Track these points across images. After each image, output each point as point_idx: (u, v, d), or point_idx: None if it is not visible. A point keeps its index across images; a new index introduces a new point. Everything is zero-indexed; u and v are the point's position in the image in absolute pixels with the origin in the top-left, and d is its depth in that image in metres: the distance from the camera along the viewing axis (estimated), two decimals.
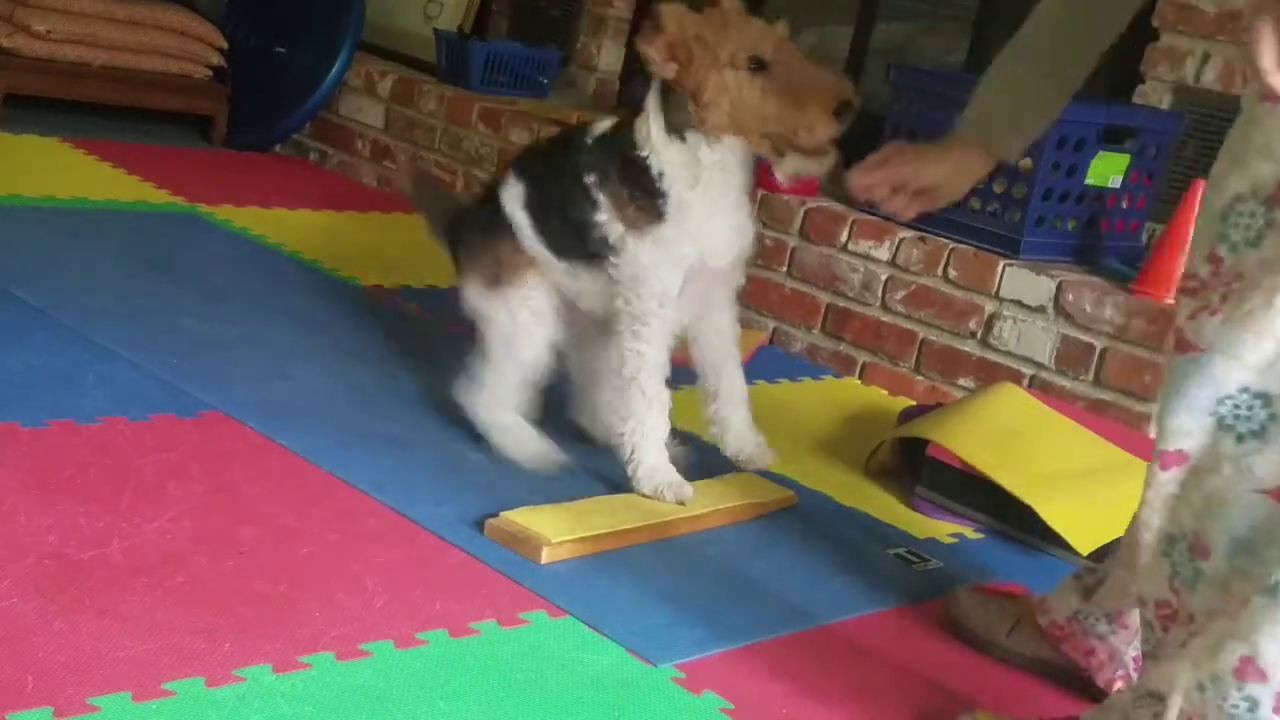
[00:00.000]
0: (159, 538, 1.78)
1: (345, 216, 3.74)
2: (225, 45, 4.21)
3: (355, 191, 4.08)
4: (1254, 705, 1.41)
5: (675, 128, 2.10)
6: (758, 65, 2.03)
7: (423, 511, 2.01)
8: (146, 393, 2.25)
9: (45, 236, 2.97)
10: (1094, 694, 1.81)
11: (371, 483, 2.07)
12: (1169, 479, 1.51)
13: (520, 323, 2.25)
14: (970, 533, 2.37)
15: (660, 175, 2.11)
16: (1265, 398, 1.42)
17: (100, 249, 2.96)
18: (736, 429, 2.27)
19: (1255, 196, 1.44)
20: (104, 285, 2.72)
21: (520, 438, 2.26)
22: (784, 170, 2.12)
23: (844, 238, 3.16)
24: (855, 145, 3.85)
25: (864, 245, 3.13)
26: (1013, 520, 2.34)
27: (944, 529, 2.36)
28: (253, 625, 1.62)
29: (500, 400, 2.26)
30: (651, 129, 2.12)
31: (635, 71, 4.28)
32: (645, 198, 2.12)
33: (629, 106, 3.98)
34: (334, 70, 4.13)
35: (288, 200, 3.74)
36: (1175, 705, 1.47)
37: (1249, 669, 1.41)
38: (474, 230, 2.33)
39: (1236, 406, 1.44)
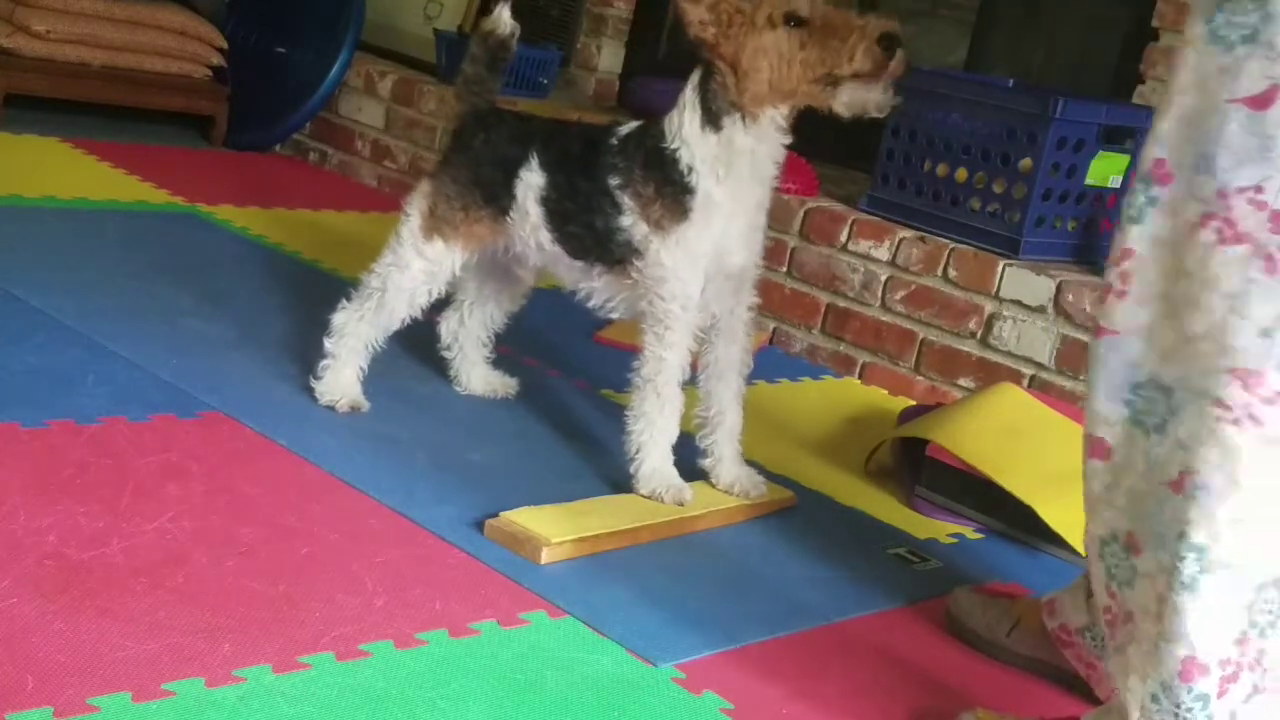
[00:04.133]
0: (159, 538, 1.78)
1: (345, 216, 3.74)
2: (225, 45, 4.21)
3: (355, 191, 4.08)
4: (1205, 702, 1.43)
5: (712, 116, 2.09)
6: (795, 21, 2.02)
7: (423, 511, 2.01)
8: (146, 393, 2.25)
9: (45, 236, 2.97)
10: (1094, 695, 1.81)
11: (371, 483, 2.07)
12: (1093, 471, 1.54)
13: (417, 274, 2.31)
14: (970, 533, 2.37)
15: (689, 169, 2.10)
16: (1166, 390, 1.44)
17: (100, 249, 2.96)
18: (730, 462, 2.26)
19: (1141, 175, 1.48)
20: (104, 285, 2.72)
21: (341, 378, 2.34)
22: (841, 102, 2.06)
23: (844, 238, 3.16)
24: (856, 145, 3.85)
25: (864, 245, 3.13)
26: (1013, 520, 2.33)
27: (944, 529, 2.36)
28: (253, 625, 1.62)
29: (356, 340, 2.34)
30: (686, 120, 2.11)
31: (635, 71, 4.29)
32: (672, 194, 2.11)
33: (629, 107, 3.99)
34: (334, 70, 4.13)
35: (288, 200, 3.74)
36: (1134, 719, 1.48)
37: (1193, 668, 1.42)
38: (477, 174, 2.30)
39: (1146, 400, 1.46)
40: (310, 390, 2.34)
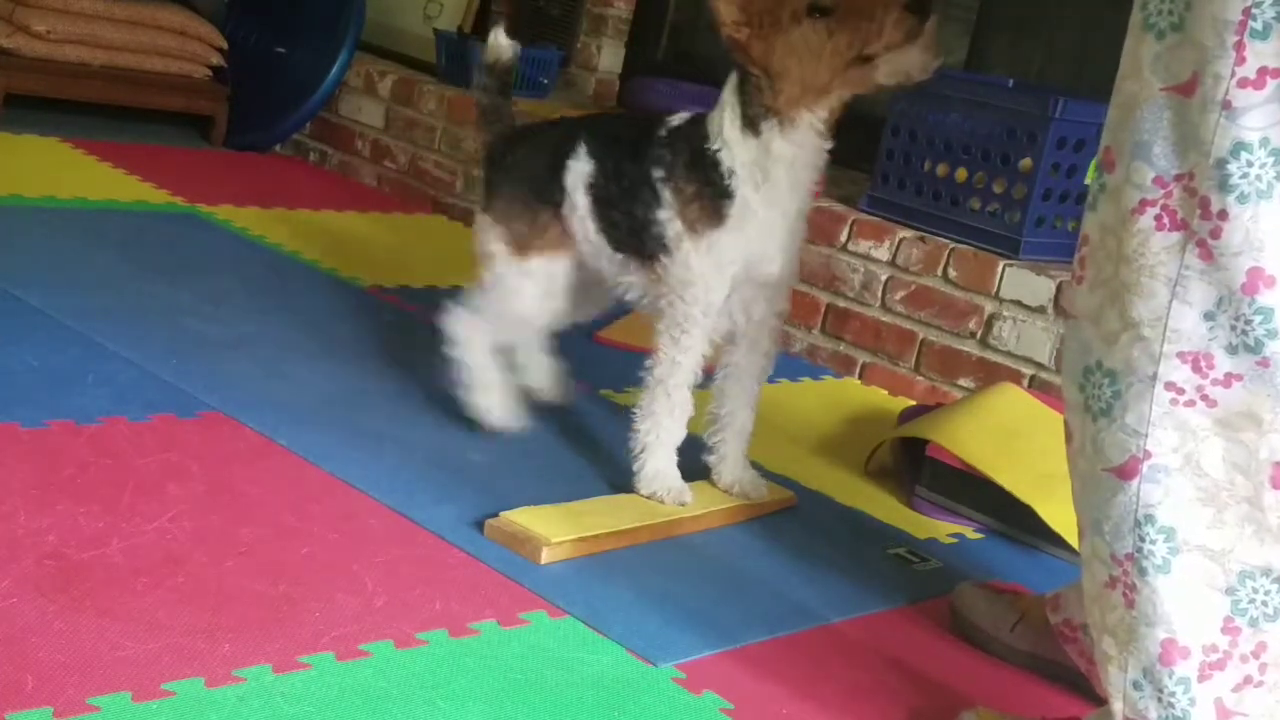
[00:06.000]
0: (159, 538, 1.78)
1: (345, 216, 3.74)
2: (225, 45, 4.21)
3: (355, 191, 4.08)
4: (1187, 686, 1.43)
5: (750, 121, 2.05)
6: (820, 11, 1.98)
7: (423, 511, 2.01)
8: (146, 393, 2.25)
9: (45, 236, 2.97)
10: (1096, 694, 1.81)
11: (371, 483, 2.07)
12: (1067, 458, 1.55)
13: (531, 295, 2.24)
14: (970, 533, 2.37)
15: (730, 173, 2.07)
16: (1111, 375, 1.44)
17: (100, 249, 2.96)
18: (733, 462, 2.25)
19: (1097, 162, 1.50)
20: (104, 285, 2.72)
21: (491, 393, 2.27)
22: (885, 76, 2.02)
23: (844, 238, 3.16)
24: (856, 145, 3.85)
25: (864, 245, 3.13)
26: (1013, 520, 2.34)
27: (944, 529, 2.36)
28: (253, 625, 1.62)
29: (488, 345, 2.27)
30: (726, 122, 2.07)
31: (635, 71, 4.29)
32: (711, 197, 2.08)
33: (629, 107, 3.99)
34: (334, 70, 4.13)
35: (288, 200, 3.74)
36: (1118, 712, 1.48)
37: (1173, 651, 1.42)
38: (521, 180, 2.27)
39: (1094, 384, 1.46)
40: (310, 390, 2.34)
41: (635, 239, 2.17)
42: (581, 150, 2.21)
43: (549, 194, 2.24)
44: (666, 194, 2.12)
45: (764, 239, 2.10)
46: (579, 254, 2.26)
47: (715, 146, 2.08)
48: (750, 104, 2.05)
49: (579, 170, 2.21)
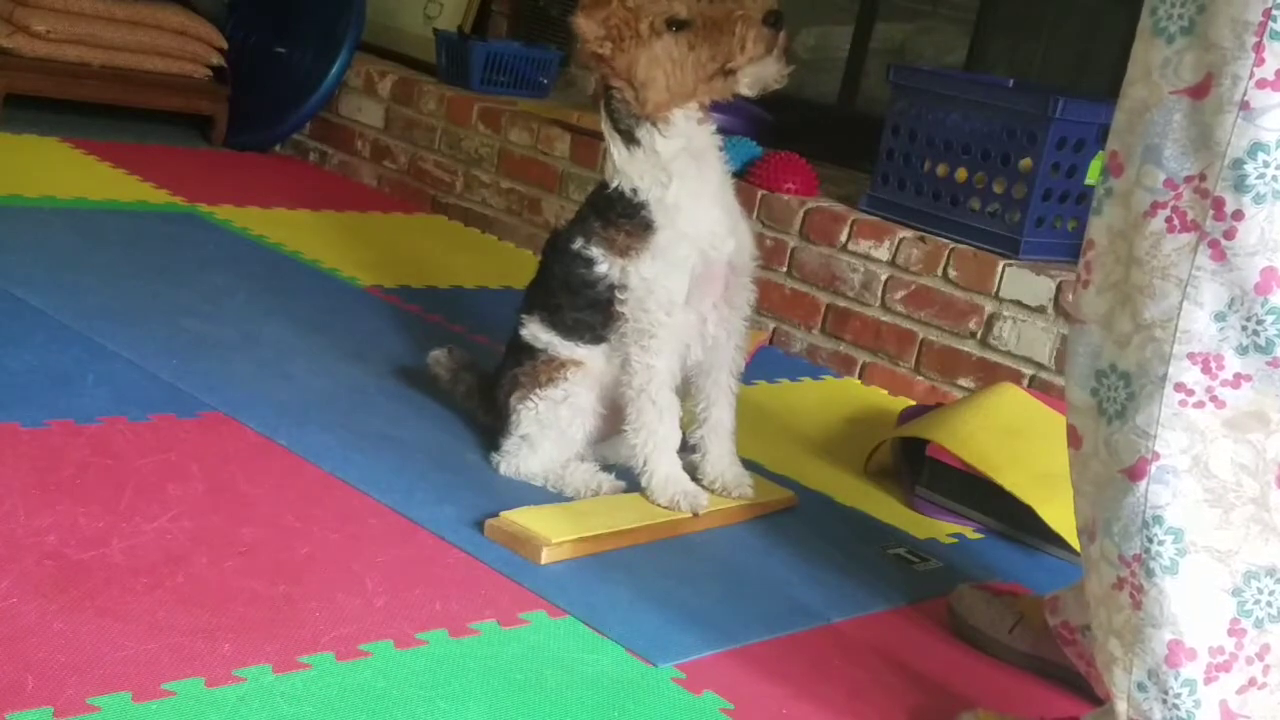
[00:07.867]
0: (159, 538, 1.78)
1: (345, 216, 3.74)
2: (225, 45, 4.21)
3: (355, 191, 4.09)
4: (1193, 688, 1.43)
5: (627, 134, 2.11)
6: (678, 25, 2.06)
7: (423, 511, 2.01)
8: (146, 393, 2.25)
9: (45, 236, 2.97)
10: (1094, 695, 1.81)
11: (371, 483, 2.07)
12: (1070, 461, 1.56)
13: (562, 417, 2.18)
14: (970, 533, 2.37)
15: (634, 191, 2.12)
16: (1125, 377, 1.45)
17: (100, 249, 2.96)
18: (716, 457, 2.24)
19: (1103, 167, 1.51)
20: (104, 285, 2.72)
21: (576, 475, 2.20)
22: (743, 87, 2.11)
23: (844, 238, 3.16)
24: (856, 145, 3.85)
25: (864, 245, 3.13)
26: (1013, 520, 2.34)
27: (944, 529, 2.36)
28: (253, 625, 1.62)
29: (555, 461, 2.21)
30: (614, 152, 2.13)
31: None
32: (630, 219, 2.12)
33: None
34: (334, 70, 4.13)
35: (288, 200, 3.74)
36: (1122, 713, 1.49)
37: (1179, 652, 1.43)
38: (505, 365, 2.28)
39: (1108, 387, 1.47)
40: (310, 390, 2.34)
41: (598, 314, 2.16)
42: (521, 317, 2.24)
43: (526, 352, 2.23)
44: (595, 251, 2.14)
45: (702, 224, 2.12)
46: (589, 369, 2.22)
47: (614, 183, 2.14)
48: (621, 118, 2.12)
49: (531, 327, 2.22)
